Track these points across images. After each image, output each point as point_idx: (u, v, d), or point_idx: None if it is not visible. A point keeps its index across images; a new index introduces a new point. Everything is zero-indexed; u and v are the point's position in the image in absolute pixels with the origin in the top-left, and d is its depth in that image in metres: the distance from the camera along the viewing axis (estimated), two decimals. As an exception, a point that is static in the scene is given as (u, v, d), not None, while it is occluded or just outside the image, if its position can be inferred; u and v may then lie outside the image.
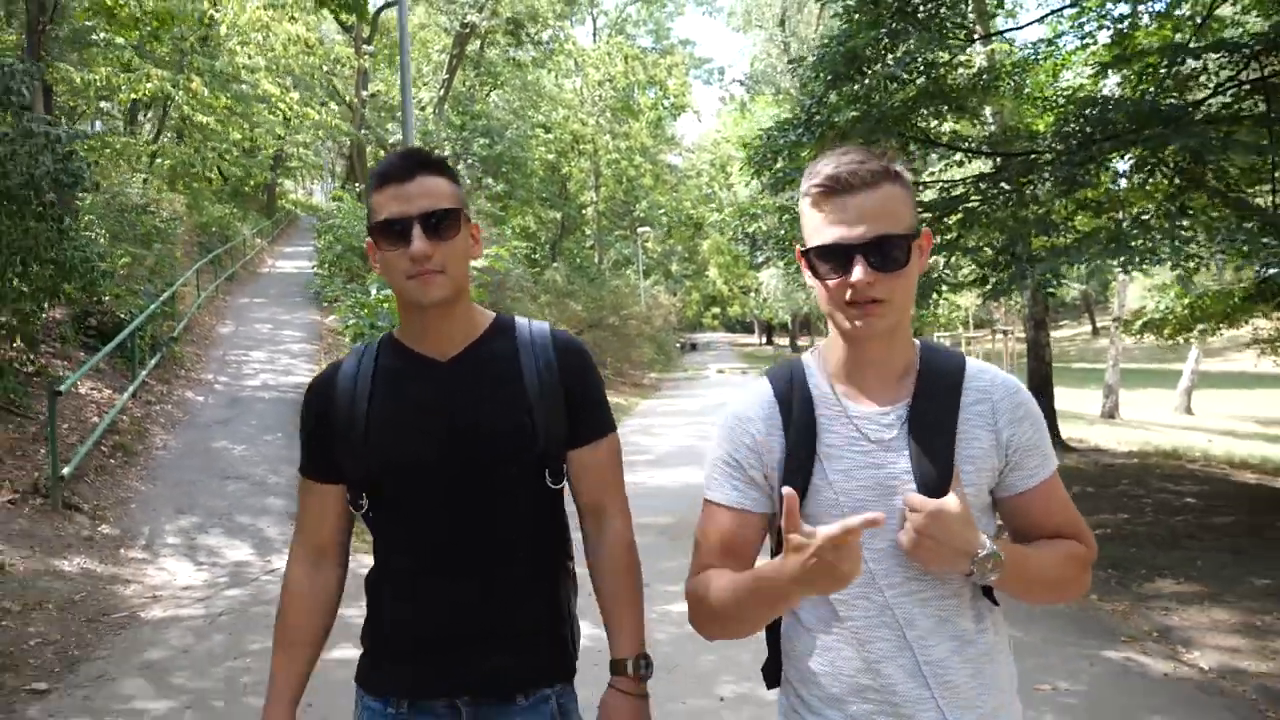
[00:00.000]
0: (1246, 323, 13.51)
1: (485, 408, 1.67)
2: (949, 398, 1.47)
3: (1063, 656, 4.88)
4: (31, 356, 9.95)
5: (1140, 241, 6.83)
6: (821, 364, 1.55)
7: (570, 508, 1.77)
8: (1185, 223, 7.00)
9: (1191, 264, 7.06)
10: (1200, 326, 13.35)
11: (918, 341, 1.54)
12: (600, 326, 29.78)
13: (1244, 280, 11.96)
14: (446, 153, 24.50)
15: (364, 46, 27.91)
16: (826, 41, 8.93)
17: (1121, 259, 6.54)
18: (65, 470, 7.94)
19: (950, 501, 1.36)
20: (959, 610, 1.46)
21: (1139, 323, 13.46)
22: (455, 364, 1.70)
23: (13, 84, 9.07)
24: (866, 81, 8.65)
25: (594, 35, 43.56)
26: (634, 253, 45.11)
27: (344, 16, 10.61)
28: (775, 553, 1.50)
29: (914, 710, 1.44)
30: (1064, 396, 24.21)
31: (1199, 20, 9.66)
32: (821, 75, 8.67)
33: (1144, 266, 6.59)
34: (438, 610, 1.66)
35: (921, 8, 8.85)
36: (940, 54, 8.88)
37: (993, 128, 12.84)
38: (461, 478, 1.65)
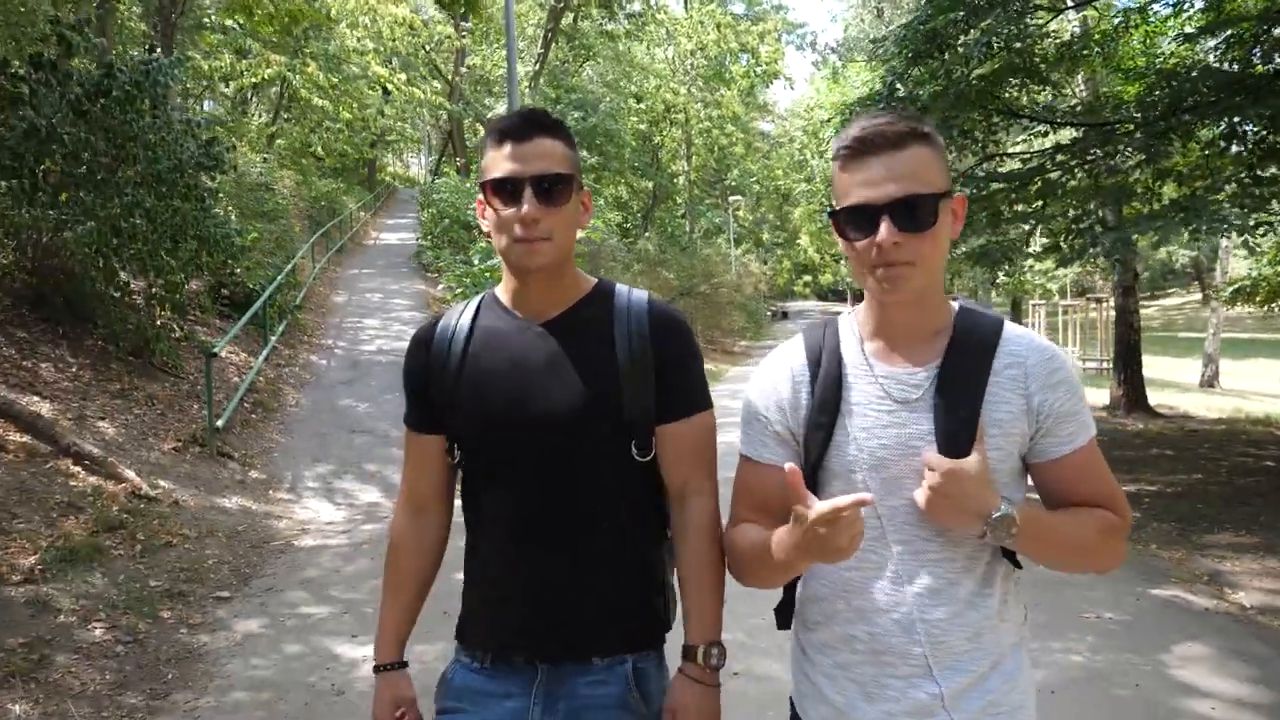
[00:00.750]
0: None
1: (573, 373, 1.66)
2: (980, 360, 1.46)
3: (1114, 592, 5.35)
4: (180, 323, 11.08)
5: (1213, 209, 7.10)
6: (855, 324, 1.58)
7: None
8: (1258, 191, 7.22)
9: (1261, 231, 7.27)
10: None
11: (956, 303, 1.55)
12: (691, 294, 30.34)
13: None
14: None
15: (462, 24, 28.85)
16: (908, 21, 9.30)
17: (1190, 228, 6.83)
18: (219, 422, 9.00)
19: (969, 462, 1.37)
20: (966, 573, 1.46)
21: (1229, 289, 13.40)
22: (550, 327, 1.70)
23: (160, 77, 10.12)
24: (946, 58, 8.96)
25: (685, 3, 43.65)
26: (725, 221, 45.41)
27: (456, 9, 11.27)
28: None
29: (899, 663, 1.47)
30: (1165, 365, 23.92)
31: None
32: (903, 53, 9.05)
33: (1211, 235, 6.84)
34: (525, 575, 1.68)
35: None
36: (1022, 26, 9.10)
37: (1084, 94, 12.91)
38: (545, 442, 1.65)
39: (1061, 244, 8.53)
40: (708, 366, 21.82)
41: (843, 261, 47.09)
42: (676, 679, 1.69)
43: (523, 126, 1.62)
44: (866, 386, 1.50)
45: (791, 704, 1.66)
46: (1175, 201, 8.30)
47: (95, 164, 9.33)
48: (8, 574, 5.23)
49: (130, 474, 7.27)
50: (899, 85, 9.20)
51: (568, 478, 1.66)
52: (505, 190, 1.60)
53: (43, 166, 8.97)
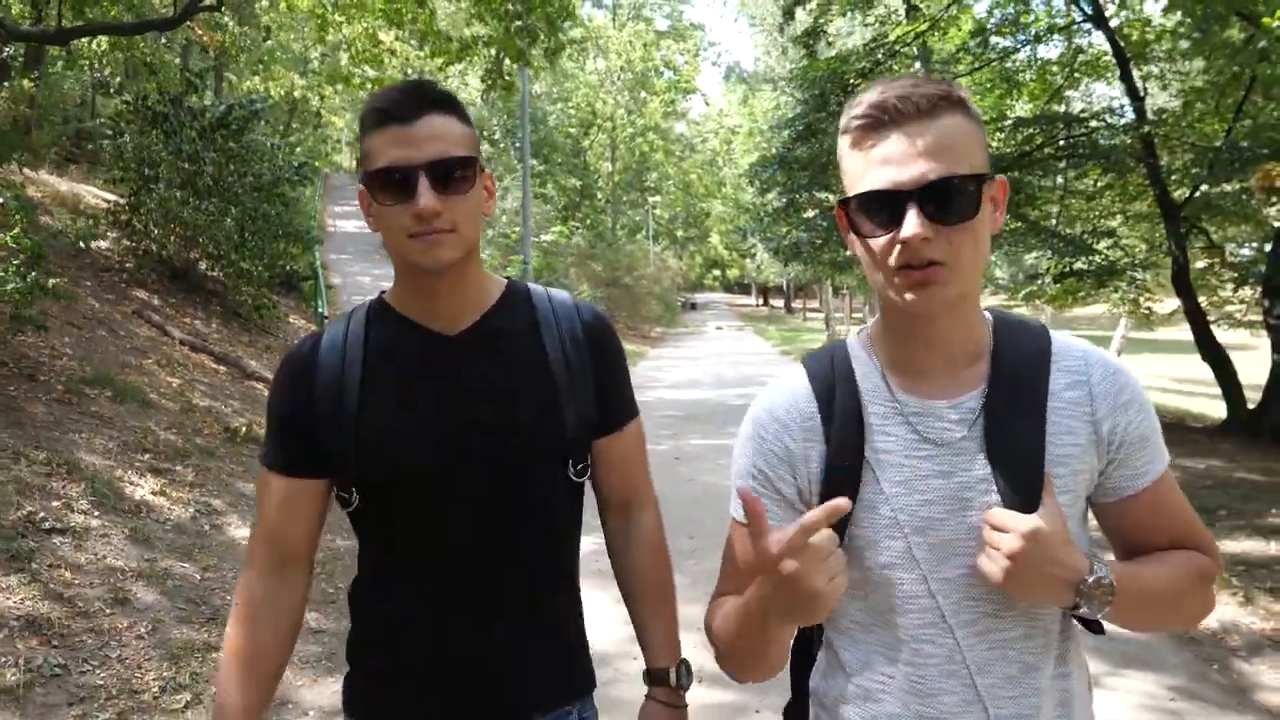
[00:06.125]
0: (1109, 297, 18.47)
1: (504, 391, 1.43)
2: (1033, 384, 1.17)
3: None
4: (271, 297, 14.80)
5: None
6: (870, 348, 1.25)
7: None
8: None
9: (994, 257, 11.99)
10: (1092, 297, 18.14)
11: (989, 314, 1.24)
12: (616, 285, 34.59)
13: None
14: (497, 136, 28.92)
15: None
16: (792, 116, 13.77)
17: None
18: (324, 365, 12.95)
19: (1046, 517, 1.08)
20: (1044, 653, 1.18)
21: (1022, 294, 18.31)
22: (465, 339, 1.45)
23: (262, 113, 13.94)
24: (817, 140, 13.42)
25: (613, 18, 47.75)
26: (644, 219, 49.87)
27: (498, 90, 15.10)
28: None
29: None
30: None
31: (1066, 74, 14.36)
32: (789, 135, 13.49)
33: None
34: (458, 640, 1.44)
35: (856, 81, 13.59)
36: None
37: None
38: (482, 476, 1.41)
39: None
40: (632, 348, 26.84)
41: (750, 259, 52.67)
42: (648, 705, 1.54)
43: (409, 103, 1.33)
44: (896, 429, 1.19)
45: None
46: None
47: (219, 177, 13.10)
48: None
49: (294, 391, 11.21)
50: (788, 151, 13.63)
51: (508, 515, 1.43)
52: (394, 181, 1.32)
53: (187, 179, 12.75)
